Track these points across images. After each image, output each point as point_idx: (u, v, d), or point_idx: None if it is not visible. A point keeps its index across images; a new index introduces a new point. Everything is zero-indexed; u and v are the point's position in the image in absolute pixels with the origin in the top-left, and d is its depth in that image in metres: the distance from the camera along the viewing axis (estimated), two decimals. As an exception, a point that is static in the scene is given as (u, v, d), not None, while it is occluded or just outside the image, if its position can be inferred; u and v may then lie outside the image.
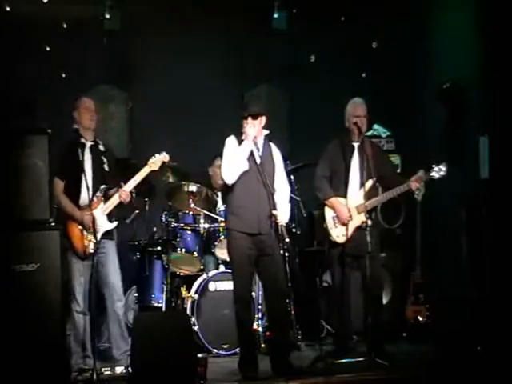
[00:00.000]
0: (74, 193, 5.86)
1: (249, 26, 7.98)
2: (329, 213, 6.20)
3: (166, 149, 6.92)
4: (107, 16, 7.39)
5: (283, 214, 5.76)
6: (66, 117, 6.95)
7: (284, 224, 5.69)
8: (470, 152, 7.07)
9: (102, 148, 6.04)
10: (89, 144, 5.99)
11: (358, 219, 6.06)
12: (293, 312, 6.22)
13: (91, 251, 5.79)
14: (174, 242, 6.86)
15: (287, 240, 5.63)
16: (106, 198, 5.95)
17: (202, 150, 7.61)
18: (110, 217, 5.98)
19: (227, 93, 7.80)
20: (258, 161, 5.72)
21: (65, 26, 7.31)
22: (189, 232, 7.01)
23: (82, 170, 5.73)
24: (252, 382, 5.57)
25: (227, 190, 5.81)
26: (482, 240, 6.72)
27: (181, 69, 7.91)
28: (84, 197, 5.85)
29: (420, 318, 6.93)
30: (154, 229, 7.20)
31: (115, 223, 6.01)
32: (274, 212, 5.66)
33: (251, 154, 5.71)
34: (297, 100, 8.29)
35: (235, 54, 8.09)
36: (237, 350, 6.23)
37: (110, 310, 6.01)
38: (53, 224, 5.39)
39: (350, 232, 6.05)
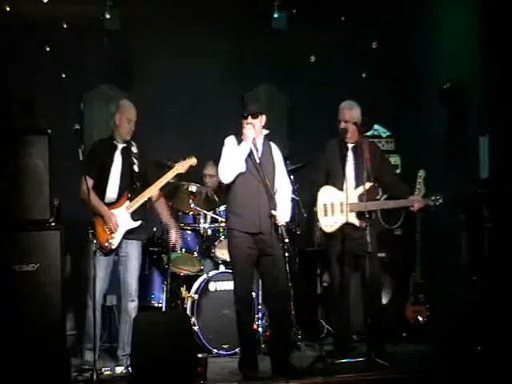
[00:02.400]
0: (99, 191, 5.95)
1: (249, 26, 7.97)
2: (321, 199, 6.21)
3: (165, 149, 6.91)
4: (107, 16, 7.36)
5: (284, 213, 5.77)
6: (66, 117, 6.96)
7: (284, 224, 5.70)
8: (470, 152, 7.07)
9: (134, 150, 6.11)
10: (120, 146, 6.10)
11: (349, 217, 6.09)
12: (293, 312, 6.23)
13: (113, 247, 5.90)
14: (174, 241, 6.86)
15: (287, 240, 5.64)
16: (133, 196, 6.00)
17: (202, 150, 7.59)
18: (134, 216, 6.02)
19: (227, 93, 7.78)
20: (258, 161, 5.72)
21: (65, 26, 7.29)
22: (189, 232, 7.02)
23: (109, 170, 5.96)
24: (252, 382, 5.58)
25: (227, 189, 5.81)
26: (482, 240, 6.71)
27: (181, 69, 7.89)
28: (109, 196, 5.99)
29: (420, 318, 6.93)
30: (154, 229, 7.19)
31: (138, 222, 6.04)
32: (273, 212, 5.66)
33: (250, 154, 5.72)
34: (297, 100, 8.29)
35: (235, 54, 8.07)
36: (237, 349, 6.23)
37: (122, 310, 6.07)
38: (53, 224, 5.40)
39: (338, 226, 6.10)
